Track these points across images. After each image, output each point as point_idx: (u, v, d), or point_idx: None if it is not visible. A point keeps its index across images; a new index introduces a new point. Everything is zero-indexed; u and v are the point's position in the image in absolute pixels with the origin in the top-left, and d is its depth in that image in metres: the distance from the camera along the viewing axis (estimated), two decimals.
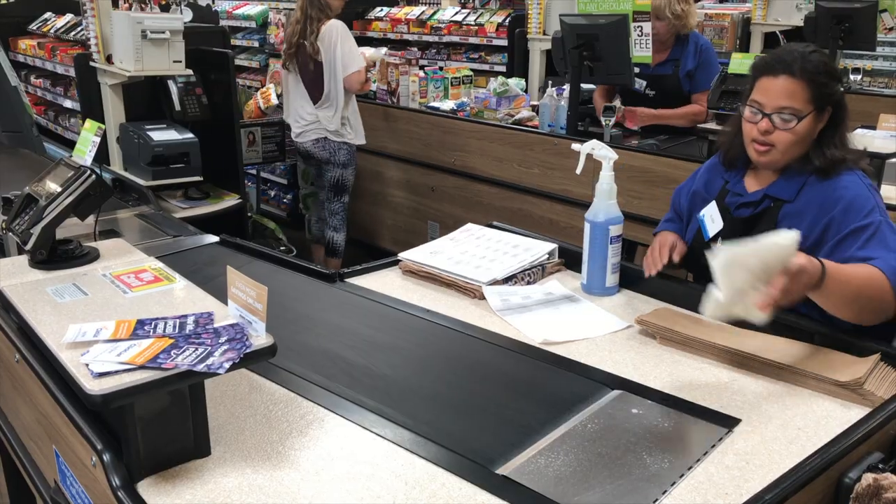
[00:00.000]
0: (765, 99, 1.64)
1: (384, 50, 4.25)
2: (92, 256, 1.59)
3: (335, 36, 3.75)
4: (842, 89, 1.67)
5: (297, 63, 3.89)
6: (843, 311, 1.51)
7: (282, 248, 4.36)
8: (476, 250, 2.02)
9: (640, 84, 3.53)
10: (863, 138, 3.04)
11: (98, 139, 1.62)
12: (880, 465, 1.18)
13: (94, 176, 1.55)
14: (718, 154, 1.87)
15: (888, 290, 1.49)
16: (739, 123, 1.73)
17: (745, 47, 5.70)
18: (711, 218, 1.80)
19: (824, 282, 1.41)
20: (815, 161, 1.65)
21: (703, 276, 1.80)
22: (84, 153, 1.65)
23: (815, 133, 1.65)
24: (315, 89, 3.89)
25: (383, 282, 1.93)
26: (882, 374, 1.40)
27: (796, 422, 1.31)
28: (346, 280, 1.92)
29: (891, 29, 5.29)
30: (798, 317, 1.61)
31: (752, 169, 1.78)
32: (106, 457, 1.11)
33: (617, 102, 3.53)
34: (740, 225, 1.75)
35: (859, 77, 4.86)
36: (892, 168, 2.79)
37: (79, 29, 5.04)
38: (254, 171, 5.14)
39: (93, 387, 1.04)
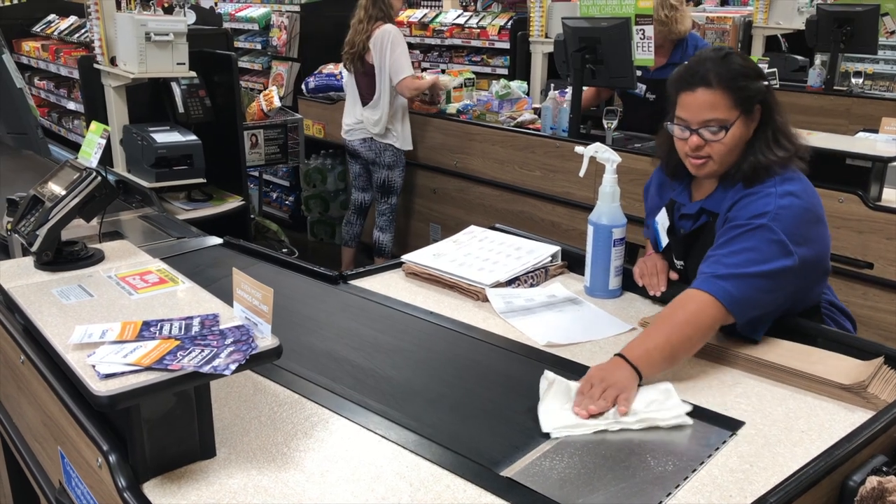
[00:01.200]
0: (688, 115, 1.60)
1: (457, 81, 4.30)
2: (97, 258, 1.60)
3: (387, 40, 3.79)
4: (766, 84, 1.62)
5: (353, 64, 3.93)
6: (692, 352, 1.48)
7: (284, 249, 4.36)
8: (479, 252, 2.02)
9: (640, 88, 3.53)
10: (864, 142, 3.05)
11: (104, 141, 1.63)
12: (884, 469, 1.18)
13: (99, 178, 1.56)
14: (661, 165, 1.84)
15: (715, 310, 1.46)
16: (671, 137, 1.69)
17: (746, 50, 5.71)
18: (662, 224, 1.80)
19: (645, 368, 1.39)
20: (743, 164, 1.60)
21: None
22: (90, 155, 1.66)
23: (750, 133, 1.61)
24: (366, 91, 3.95)
25: (387, 284, 1.93)
26: (886, 377, 1.41)
27: (800, 425, 1.31)
28: (350, 282, 1.92)
29: (892, 32, 5.29)
30: (801, 318, 1.62)
31: (695, 180, 1.74)
32: (112, 458, 1.12)
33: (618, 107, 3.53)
34: (682, 241, 1.76)
35: (861, 80, 4.86)
36: (893, 172, 2.79)
37: (83, 31, 5.05)
38: (256, 174, 5.14)
39: (100, 388, 1.04)
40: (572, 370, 1.50)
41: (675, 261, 1.81)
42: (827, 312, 1.75)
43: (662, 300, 1.77)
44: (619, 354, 1.41)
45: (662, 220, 1.81)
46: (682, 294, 1.51)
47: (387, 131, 3.96)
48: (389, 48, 3.79)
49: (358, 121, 4.00)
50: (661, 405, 1.34)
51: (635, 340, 1.45)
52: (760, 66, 3.19)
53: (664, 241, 1.81)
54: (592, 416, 1.31)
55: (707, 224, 1.69)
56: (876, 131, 3.31)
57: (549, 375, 1.39)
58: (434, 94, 4.20)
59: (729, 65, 1.59)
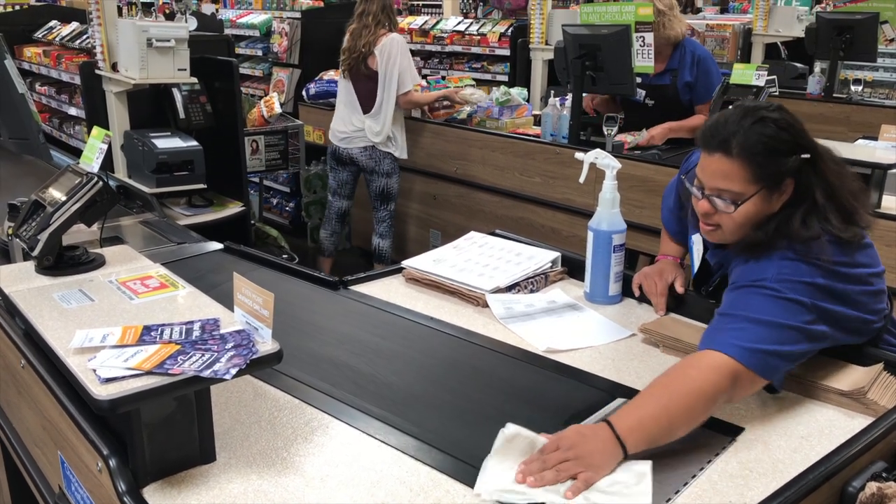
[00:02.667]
0: (704, 177, 1.44)
1: (478, 94, 4.29)
2: (98, 263, 1.60)
3: (396, 49, 3.80)
4: (803, 157, 1.38)
5: (353, 70, 3.92)
6: (696, 423, 1.24)
7: (284, 255, 4.36)
8: (479, 258, 2.03)
9: (639, 94, 3.54)
10: (863, 149, 3.06)
11: (105, 146, 1.63)
12: (884, 475, 1.18)
13: (101, 183, 1.56)
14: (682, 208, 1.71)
15: (726, 370, 1.25)
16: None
17: (746, 58, 5.72)
18: (697, 252, 1.70)
19: (633, 443, 1.16)
20: (749, 236, 1.41)
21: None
22: (91, 160, 1.66)
23: (776, 207, 1.41)
24: (367, 98, 3.93)
25: (387, 289, 1.94)
26: (885, 383, 1.41)
27: (799, 431, 1.31)
28: (350, 287, 1.93)
29: (891, 40, 5.32)
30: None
31: None
32: (112, 462, 1.12)
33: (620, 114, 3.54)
34: (706, 296, 1.68)
35: (860, 88, 4.88)
36: (893, 179, 2.80)
37: (84, 37, 5.06)
38: (256, 179, 5.16)
39: (100, 392, 1.04)
40: (572, 376, 1.50)
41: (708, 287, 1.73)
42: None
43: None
44: (608, 422, 1.18)
45: (698, 247, 1.67)
46: (685, 360, 1.32)
47: (388, 140, 3.97)
48: (399, 57, 3.80)
49: (358, 129, 3.98)
50: (626, 489, 1.12)
51: (628, 407, 1.23)
52: (760, 72, 3.20)
53: (695, 269, 1.71)
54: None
55: (724, 280, 1.56)
56: (875, 139, 3.32)
57: (508, 429, 1.18)
58: (453, 102, 4.20)
59: (759, 133, 1.37)
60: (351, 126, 4.00)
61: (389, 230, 4.21)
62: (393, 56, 3.79)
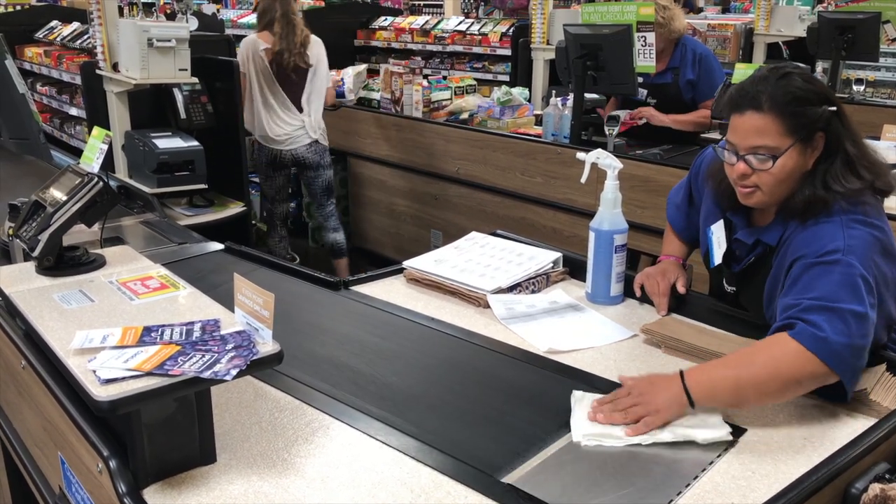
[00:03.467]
0: (736, 139, 1.45)
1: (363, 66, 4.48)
2: (98, 263, 1.60)
3: (321, 49, 3.99)
4: (831, 109, 1.42)
5: (286, 71, 3.91)
6: (765, 400, 1.31)
7: (287, 255, 4.36)
8: (480, 259, 2.02)
9: (641, 93, 3.54)
10: None
11: (106, 146, 1.63)
12: (887, 476, 1.18)
13: (101, 183, 1.56)
14: (712, 189, 1.66)
15: (808, 364, 1.26)
16: (721, 164, 1.55)
17: (748, 57, 5.72)
18: (718, 242, 1.66)
19: (700, 399, 1.24)
20: (798, 196, 1.43)
21: (718, 297, 1.75)
22: (92, 160, 1.66)
23: (809, 164, 1.44)
24: (296, 96, 3.97)
25: (388, 290, 1.93)
26: (888, 384, 1.40)
27: (802, 432, 1.30)
28: (351, 288, 1.92)
29: (893, 40, 5.31)
30: None
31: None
32: (112, 463, 1.12)
33: (622, 113, 3.53)
34: (736, 276, 1.63)
35: (862, 88, 4.87)
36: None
37: (85, 37, 5.06)
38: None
39: (100, 393, 1.04)
40: (574, 377, 1.50)
41: (725, 284, 1.69)
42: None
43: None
44: (681, 373, 1.27)
45: (719, 235, 1.64)
46: (771, 337, 1.32)
47: (323, 132, 4.06)
48: (324, 56, 4.01)
49: (298, 126, 3.97)
50: (702, 421, 1.26)
51: (703, 365, 1.30)
52: None
53: (717, 258, 1.66)
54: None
55: (763, 257, 1.55)
56: (877, 138, 3.31)
57: (576, 394, 1.36)
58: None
59: (786, 86, 1.41)
60: (290, 126, 3.96)
61: (339, 222, 4.27)
62: (320, 54, 3.97)
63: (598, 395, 1.36)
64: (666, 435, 1.25)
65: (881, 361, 1.45)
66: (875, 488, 1.12)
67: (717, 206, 1.68)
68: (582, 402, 1.34)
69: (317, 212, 4.29)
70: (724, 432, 1.25)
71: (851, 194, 1.41)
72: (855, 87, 4.99)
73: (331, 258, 4.30)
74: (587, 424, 1.28)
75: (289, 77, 3.91)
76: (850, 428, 1.31)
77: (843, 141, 1.44)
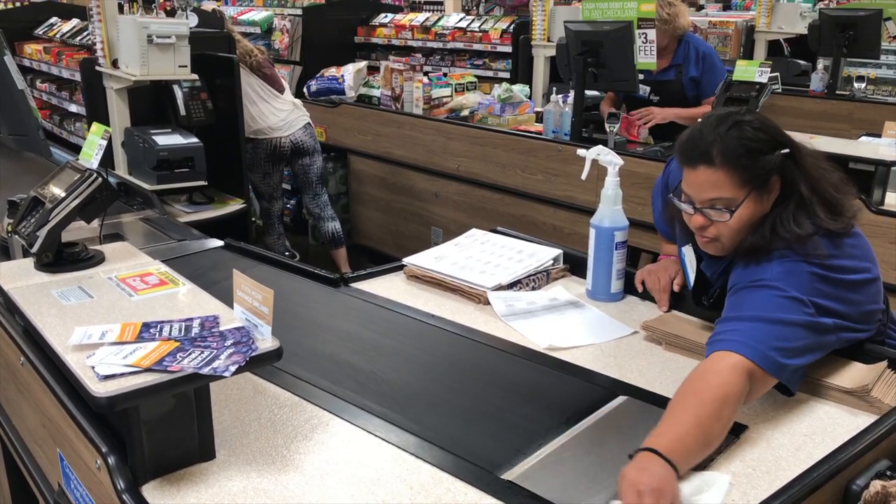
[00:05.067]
0: (692, 192, 1.43)
1: None
2: (97, 259, 1.59)
3: None
4: (784, 152, 1.39)
5: (253, 67, 3.95)
6: (728, 426, 1.23)
7: (286, 253, 4.36)
8: (481, 255, 2.02)
9: (643, 90, 3.53)
10: (866, 146, 3.04)
11: (105, 142, 1.62)
12: (888, 473, 1.18)
13: (100, 179, 1.55)
14: (669, 227, 1.68)
15: (742, 370, 1.25)
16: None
17: (749, 55, 5.71)
18: (690, 264, 1.65)
19: (680, 462, 1.13)
20: (756, 240, 1.39)
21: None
22: (90, 156, 1.66)
23: (767, 207, 1.41)
24: (277, 83, 4.03)
25: (388, 287, 1.93)
26: (889, 380, 1.40)
27: (803, 429, 1.30)
28: (351, 285, 1.92)
29: (894, 37, 5.29)
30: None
31: None
32: (111, 460, 1.11)
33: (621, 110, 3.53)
34: (708, 307, 1.61)
35: (863, 85, 4.86)
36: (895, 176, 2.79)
37: (85, 34, 5.05)
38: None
39: (98, 389, 1.04)
40: (574, 374, 1.49)
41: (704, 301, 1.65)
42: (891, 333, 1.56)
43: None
44: (649, 449, 1.14)
45: (690, 258, 1.64)
46: (701, 365, 1.30)
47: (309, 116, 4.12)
48: None
49: (290, 109, 4.01)
50: (701, 484, 1.15)
51: (661, 428, 1.18)
52: (763, 69, 3.20)
53: (691, 281, 1.65)
54: None
55: (723, 292, 1.50)
56: (879, 136, 3.30)
57: None
58: None
59: (738, 138, 1.38)
60: (281, 112, 4.01)
61: (334, 211, 4.27)
62: None
63: None
64: None
65: (881, 359, 1.44)
66: (876, 485, 1.12)
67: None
68: None
69: (312, 203, 4.26)
70: (725, 479, 1.16)
71: (796, 240, 1.37)
72: (856, 85, 4.98)
73: (329, 248, 4.30)
74: None
75: (265, 70, 3.99)
76: (852, 425, 1.30)
77: (798, 183, 1.41)
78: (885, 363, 1.43)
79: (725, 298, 1.43)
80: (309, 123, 4.10)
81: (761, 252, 1.39)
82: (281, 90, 4.04)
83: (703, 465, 1.19)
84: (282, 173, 4.21)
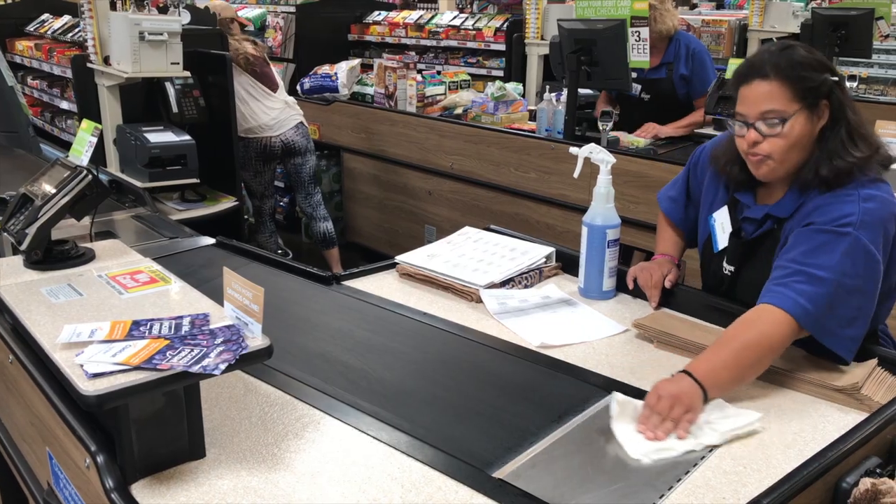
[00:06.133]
0: (746, 109, 1.50)
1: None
2: (87, 257, 1.59)
3: None
4: (834, 78, 1.48)
5: (253, 62, 3.96)
6: (760, 371, 1.38)
7: (279, 251, 4.35)
8: (473, 253, 2.01)
9: (635, 89, 3.53)
10: None
11: (95, 139, 1.61)
12: (878, 470, 1.18)
13: (90, 176, 1.54)
14: (721, 174, 1.69)
15: (789, 329, 1.36)
16: (731, 144, 1.59)
17: (742, 53, 5.72)
18: (722, 226, 1.67)
19: (711, 387, 1.30)
20: (822, 170, 1.46)
21: (712, 287, 1.76)
22: (81, 153, 1.65)
23: (815, 132, 1.48)
24: (271, 82, 4.02)
25: (380, 285, 1.93)
26: (880, 378, 1.40)
27: (793, 426, 1.30)
28: (343, 283, 1.91)
29: (886, 36, 5.31)
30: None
31: (765, 184, 1.60)
32: (100, 458, 1.11)
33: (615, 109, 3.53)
34: (742, 248, 1.63)
35: (856, 84, 4.87)
36: (889, 176, 2.79)
37: (76, 30, 5.02)
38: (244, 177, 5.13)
39: (87, 387, 1.03)
40: (566, 371, 1.49)
41: (725, 265, 1.68)
42: (883, 342, 1.64)
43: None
44: (685, 371, 1.31)
45: (723, 220, 1.67)
46: (756, 310, 1.40)
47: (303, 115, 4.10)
48: None
49: (282, 108, 4.01)
50: (724, 415, 1.29)
51: (702, 357, 1.36)
52: None
53: (722, 243, 1.68)
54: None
55: (772, 231, 1.57)
56: None
57: (619, 398, 1.32)
58: None
59: (789, 55, 1.48)
60: (273, 111, 4.00)
61: (327, 211, 4.26)
62: None
63: (638, 403, 1.31)
64: (711, 437, 1.25)
65: (872, 356, 1.45)
66: (866, 482, 1.12)
67: (720, 191, 1.71)
68: (625, 412, 1.30)
69: (304, 202, 4.26)
70: (754, 417, 1.28)
71: (863, 164, 1.46)
72: (848, 84, 4.99)
73: (321, 249, 4.29)
74: (641, 442, 1.24)
75: (256, 66, 3.97)
76: (842, 422, 1.31)
77: (846, 110, 1.49)
78: (874, 361, 1.43)
79: (801, 230, 1.46)
80: (302, 123, 4.09)
81: (844, 176, 1.46)
82: (274, 88, 4.03)
83: (690, 467, 1.19)
84: (273, 172, 4.19)
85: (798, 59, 1.48)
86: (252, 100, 3.98)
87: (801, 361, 1.46)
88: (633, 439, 1.25)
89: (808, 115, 1.47)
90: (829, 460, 1.15)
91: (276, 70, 4.20)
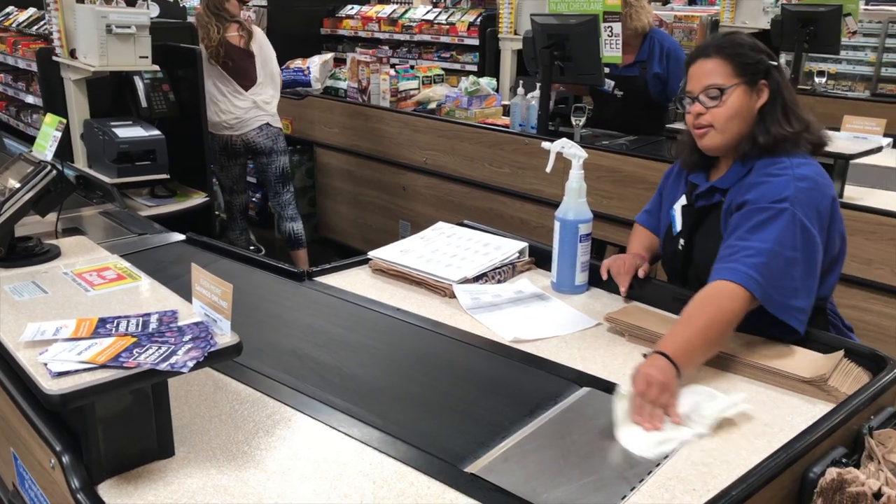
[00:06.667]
0: (692, 85, 1.67)
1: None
2: (53, 254, 1.56)
3: (264, 37, 4.02)
4: (772, 62, 1.65)
5: (218, 57, 3.84)
6: (723, 343, 1.47)
7: (251, 247, 4.31)
8: (447, 249, 2.01)
9: (608, 85, 3.55)
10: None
11: (59, 134, 1.58)
12: (844, 460, 1.20)
13: (55, 171, 1.51)
14: (677, 163, 1.86)
15: (743, 301, 1.45)
16: (688, 133, 1.73)
17: None
18: (680, 212, 1.79)
19: (683, 365, 1.36)
20: (759, 138, 1.61)
21: (675, 277, 1.83)
22: (45, 148, 1.62)
23: (755, 109, 1.63)
24: (244, 77, 3.91)
25: (353, 281, 1.91)
26: (846, 370, 1.42)
27: (763, 418, 1.32)
28: (316, 279, 1.90)
29: (854, 33, 5.39)
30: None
31: (716, 163, 1.75)
32: (65, 458, 1.09)
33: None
34: (691, 217, 1.75)
35: (824, 80, 4.95)
36: (855, 169, 2.84)
37: (42, 23, 4.94)
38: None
39: (51, 386, 1.01)
40: (538, 366, 1.49)
41: (681, 240, 1.78)
42: (832, 319, 1.74)
43: (629, 296, 1.78)
44: (658, 352, 1.37)
45: (680, 202, 1.80)
46: (711, 286, 1.49)
47: (275, 113, 4.01)
48: (267, 43, 4.00)
49: (249, 107, 3.92)
50: (709, 396, 1.33)
51: (670, 336, 1.42)
52: None
53: (679, 225, 1.79)
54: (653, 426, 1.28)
55: (719, 203, 1.69)
56: (838, 129, 3.36)
57: (622, 392, 1.32)
58: None
59: (729, 39, 1.68)
60: (238, 109, 3.92)
61: (297, 211, 4.20)
62: (262, 40, 3.96)
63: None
64: (703, 424, 1.27)
65: (838, 349, 1.47)
66: (832, 472, 1.14)
67: (681, 185, 1.83)
68: (625, 405, 1.30)
69: (273, 200, 4.20)
70: (739, 397, 1.32)
71: (795, 137, 1.62)
72: (817, 80, 5.07)
73: (288, 249, 4.24)
74: (641, 435, 1.26)
75: (232, 58, 3.87)
76: (809, 413, 1.32)
77: (783, 90, 1.65)
78: (841, 353, 1.45)
79: (741, 210, 1.57)
80: (267, 124, 3.96)
81: (782, 144, 1.61)
82: (247, 85, 3.91)
83: (661, 459, 1.20)
84: (243, 167, 4.13)
85: (737, 41, 1.67)
86: (220, 95, 3.88)
87: (770, 355, 1.48)
88: (633, 435, 1.26)
89: (746, 89, 1.63)
90: (796, 451, 1.17)
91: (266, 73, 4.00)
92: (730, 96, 1.62)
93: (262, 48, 3.96)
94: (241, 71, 3.90)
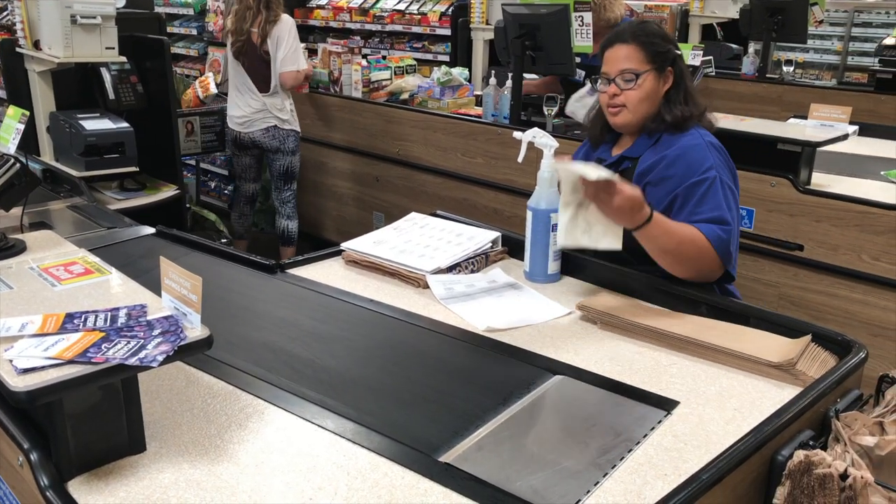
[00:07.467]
0: (609, 68, 1.86)
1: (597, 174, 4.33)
2: (18, 249, 1.53)
3: (284, 30, 3.88)
4: (677, 52, 1.87)
5: (243, 53, 3.90)
6: (665, 260, 1.71)
7: (223, 240, 4.27)
8: (420, 239, 2.01)
9: (579, 75, 3.56)
10: (794, 128, 3.14)
11: (22, 126, 1.55)
12: (811, 443, 1.22)
13: (18, 165, 1.49)
14: (587, 140, 2.06)
15: (710, 253, 1.70)
16: (599, 110, 1.94)
17: (683, 38, 5.81)
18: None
19: (650, 223, 1.62)
20: (667, 117, 1.83)
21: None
22: (7, 141, 1.58)
23: (661, 92, 1.85)
24: (262, 79, 3.94)
25: (326, 272, 1.91)
26: (813, 354, 1.45)
27: (732, 403, 1.34)
28: (288, 271, 1.89)
29: (821, 22, 5.46)
30: (728, 299, 1.66)
31: (617, 141, 1.96)
32: (33, 456, 1.07)
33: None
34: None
35: (792, 69, 5.01)
36: (822, 156, 2.88)
37: (4, 13, 4.82)
38: (193, 162, 5.02)
39: (17, 383, 0.99)
40: (512, 354, 1.50)
41: None
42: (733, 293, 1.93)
43: (601, 284, 1.80)
44: (651, 207, 1.64)
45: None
46: (695, 228, 1.72)
47: (291, 114, 4.04)
48: (286, 38, 3.88)
49: (257, 110, 3.98)
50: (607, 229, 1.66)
51: (663, 217, 1.68)
52: (696, 52, 3.27)
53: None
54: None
55: (627, 170, 1.88)
56: (806, 117, 3.41)
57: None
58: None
59: (644, 27, 1.87)
60: (248, 108, 3.99)
61: (295, 211, 4.25)
62: (281, 36, 3.88)
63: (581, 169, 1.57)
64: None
65: (806, 333, 1.50)
66: (800, 455, 1.16)
67: (586, 160, 1.97)
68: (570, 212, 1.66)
69: (274, 194, 4.28)
70: (618, 244, 1.66)
71: (697, 117, 1.86)
72: (785, 68, 5.13)
73: (279, 244, 4.30)
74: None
75: (253, 59, 3.91)
76: (778, 397, 1.35)
77: (685, 78, 1.89)
78: (808, 337, 1.48)
79: (679, 189, 1.77)
80: (276, 126, 4.00)
81: (687, 122, 1.84)
82: (261, 88, 3.93)
83: (633, 445, 1.21)
84: (253, 158, 4.18)
85: (651, 31, 1.86)
86: (235, 92, 4.00)
87: (739, 340, 1.50)
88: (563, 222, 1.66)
89: (656, 75, 1.85)
90: (765, 435, 1.19)
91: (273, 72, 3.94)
92: (644, 81, 1.82)
93: (281, 44, 3.89)
94: (255, 69, 3.94)
